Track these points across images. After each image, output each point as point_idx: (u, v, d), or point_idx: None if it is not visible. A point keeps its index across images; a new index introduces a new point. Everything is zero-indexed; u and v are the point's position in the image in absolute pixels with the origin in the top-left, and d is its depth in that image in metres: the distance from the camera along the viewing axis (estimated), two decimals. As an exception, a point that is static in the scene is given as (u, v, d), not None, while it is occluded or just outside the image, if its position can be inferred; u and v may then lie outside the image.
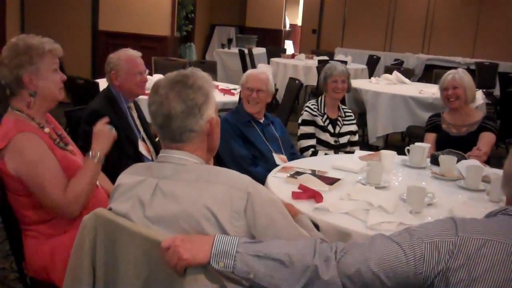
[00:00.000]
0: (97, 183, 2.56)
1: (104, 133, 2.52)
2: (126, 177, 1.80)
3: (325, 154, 4.22)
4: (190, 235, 1.55)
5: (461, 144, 3.76)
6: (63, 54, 2.43)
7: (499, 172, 3.09)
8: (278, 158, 3.64)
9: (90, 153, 2.43)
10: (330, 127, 4.36)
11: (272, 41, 14.29)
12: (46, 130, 2.39)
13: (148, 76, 3.47)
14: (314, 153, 4.24)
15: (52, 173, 2.26)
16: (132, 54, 3.38)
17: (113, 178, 2.32)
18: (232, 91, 5.76)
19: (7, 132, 2.25)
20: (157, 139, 3.36)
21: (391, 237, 1.50)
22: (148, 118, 1.88)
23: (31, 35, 2.38)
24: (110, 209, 1.78)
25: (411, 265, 1.42)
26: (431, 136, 4.14)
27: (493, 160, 4.13)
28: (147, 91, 1.93)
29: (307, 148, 4.30)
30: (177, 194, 1.65)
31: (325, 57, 10.18)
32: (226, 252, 1.48)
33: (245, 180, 1.68)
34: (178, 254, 1.47)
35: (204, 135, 1.77)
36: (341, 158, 3.60)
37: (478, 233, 1.43)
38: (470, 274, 1.38)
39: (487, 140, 3.90)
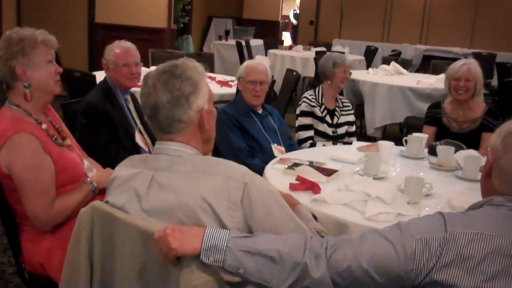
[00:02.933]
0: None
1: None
2: (122, 170, 1.80)
3: (323, 145, 4.22)
4: (182, 225, 1.55)
5: (462, 141, 3.71)
6: (60, 46, 2.42)
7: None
8: (276, 149, 3.64)
9: (89, 179, 2.43)
10: (328, 118, 4.35)
11: (270, 33, 14.25)
12: (44, 126, 2.36)
13: (145, 68, 3.45)
14: (313, 145, 4.24)
15: (42, 184, 2.24)
16: (121, 45, 3.37)
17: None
18: (229, 83, 5.74)
19: (4, 131, 2.22)
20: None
21: (382, 233, 1.49)
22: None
23: (26, 27, 2.36)
24: (106, 202, 1.77)
25: (402, 262, 1.42)
26: (430, 130, 4.07)
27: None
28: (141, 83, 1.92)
29: (305, 139, 4.29)
30: (173, 186, 1.64)
31: (323, 49, 10.17)
32: (216, 247, 1.47)
33: (242, 170, 1.67)
34: (167, 243, 1.46)
35: (195, 126, 1.75)
36: (339, 149, 3.59)
37: (466, 227, 1.43)
38: (462, 269, 1.38)
39: None
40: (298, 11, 19.26)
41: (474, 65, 3.97)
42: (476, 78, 3.91)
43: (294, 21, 19.26)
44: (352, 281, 1.45)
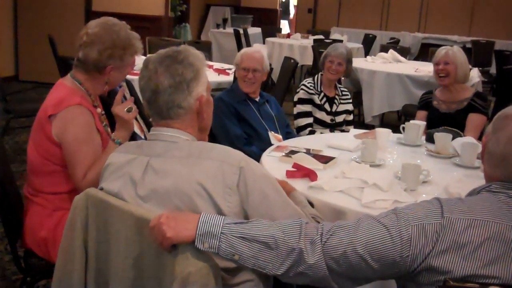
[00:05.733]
0: None
1: (125, 121, 2.38)
2: (116, 156, 1.79)
3: (321, 133, 4.21)
4: (176, 213, 1.53)
5: (450, 121, 3.74)
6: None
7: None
8: (273, 137, 3.63)
9: (114, 137, 2.38)
10: (326, 105, 4.34)
11: (268, 21, 14.20)
12: (98, 110, 2.42)
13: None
14: (312, 132, 4.23)
15: (87, 157, 2.26)
16: None
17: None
18: (227, 71, 5.72)
19: (63, 99, 2.25)
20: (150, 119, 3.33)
21: (378, 219, 1.48)
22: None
23: (123, 23, 2.40)
24: (101, 188, 1.76)
25: (398, 248, 1.41)
26: (422, 114, 4.11)
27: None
28: (136, 71, 1.91)
29: (305, 126, 4.28)
30: (168, 171, 1.64)
31: (321, 37, 10.12)
32: (211, 233, 1.46)
33: (238, 155, 1.67)
34: (162, 232, 1.45)
35: (193, 113, 1.75)
36: (336, 137, 3.59)
37: (463, 213, 1.42)
38: (458, 255, 1.38)
39: (474, 124, 3.83)
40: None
41: (454, 50, 4.00)
42: (456, 62, 3.92)
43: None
44: (348, 267, 1.45)
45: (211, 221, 1.48)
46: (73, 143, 2.24)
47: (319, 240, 1.46)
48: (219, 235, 1.46)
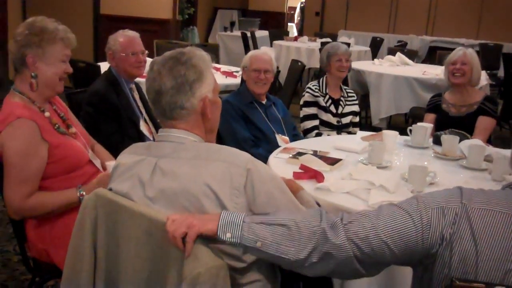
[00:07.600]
0: (99, 166, 2.56)
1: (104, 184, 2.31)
2: (125, 157, 1.80)
3: (327, 135, 4.21)
4: (193, 214, 1.56)
5: (460, 125, 3.74)
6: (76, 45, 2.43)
7: (502, 151, 3.08)
8: (281, 139, 3.64)
9: (81, 186, 2.35)
10: (332, 108, 4.35)
11: (275, 24, 14.21)
12: (47, 114, 2.37)
13: (148, 58, 3.45)
14: (318, 135, 4.24)
15: (27, 173, 2.22)
16: (127, 34, 3.37)
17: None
18: (234, 73, 5.74)
19: (7, 116, 2.23)
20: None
21: (399, 205, 1.50)
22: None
23: (52, 19, 2.38)
24: (110, 189, 1.78)
25: (419, 231, 1.42)
26: (430, 117, 4.11)
27: (497, 141, 4.10)
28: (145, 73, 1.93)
29: (311, 129, 4.29)
30: (176, 172, 1.65)
31: (328, 39, 10.10)
32: (233, 222, 1.49)
33: (245, 157, 1.68)
34: (188, 221, 1.48)
35: (197, 114, 1.76)
36: (343, 139, 3.59)
37: (481, 203, 1.43)
38: (474, 243, 1.39)
39: (484, 126, 3.84)
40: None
41: (470, 51, 4.04)
42: (472, 63, 3.96)
43: (296, 18, 18.60)
44: (370, 252, 1.45)
45: (232, 214, 1.52)
46: (11, 157, 2.19)
47: (340, 223, 1.48)
48: (241, 223, 1.49)
